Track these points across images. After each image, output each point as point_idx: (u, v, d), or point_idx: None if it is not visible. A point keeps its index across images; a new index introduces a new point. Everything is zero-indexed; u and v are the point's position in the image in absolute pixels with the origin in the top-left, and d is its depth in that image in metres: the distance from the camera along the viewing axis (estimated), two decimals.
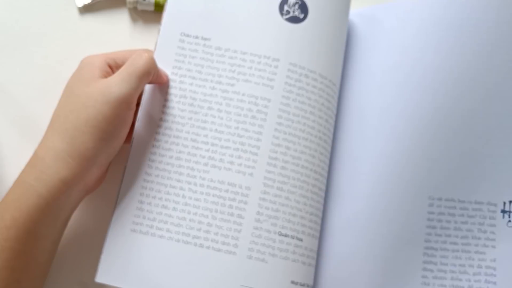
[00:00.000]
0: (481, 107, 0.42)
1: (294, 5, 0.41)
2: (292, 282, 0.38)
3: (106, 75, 0.37)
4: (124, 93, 0.35)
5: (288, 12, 0.41)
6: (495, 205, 0.41)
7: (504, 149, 0.42)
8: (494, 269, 0.40)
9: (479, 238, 0.41)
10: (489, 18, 0.43)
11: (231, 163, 0.38)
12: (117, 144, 0.37)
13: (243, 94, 0.39)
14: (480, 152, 0.42)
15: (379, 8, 0.46)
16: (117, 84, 0.35)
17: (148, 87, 0.40)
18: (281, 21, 0.41)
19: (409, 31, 0.44)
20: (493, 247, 0.41)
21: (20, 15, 0.47)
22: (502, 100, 0.42)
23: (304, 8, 0.41)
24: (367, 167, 0.42)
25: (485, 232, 0.41)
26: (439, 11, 0.43)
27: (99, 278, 0.37)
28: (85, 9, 0.48)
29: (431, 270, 0.40)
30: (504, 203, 0.41)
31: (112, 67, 0.38)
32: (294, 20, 0.41)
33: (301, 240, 0.39)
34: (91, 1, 0.48)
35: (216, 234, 0.37)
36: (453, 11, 0.43)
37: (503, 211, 0.41)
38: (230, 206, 0.38)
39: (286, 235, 0.38)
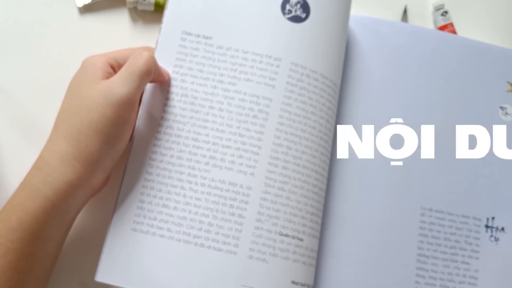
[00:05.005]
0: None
1: (296, 4, 0.41)
2: (293, 282, 0.38)
3: (108, 75, 0.37)
4: (126, 93, 0.35)
5: (290, 11, 0.41)
6: (479, 220, 0.44)
7: (488, 169, 0.45)
8: (476, 279, 0.43)
9: (465, 249, 0.44)
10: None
11: (232, 162, 0.38)
12: (121, 146, 0.37)
13: (245, 94, 0.39)
14: (466, 169, 0.45)
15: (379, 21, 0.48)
16: (119, 85, 0.35)
17: (149, 86, 0.40)
18: (283, 20, 0.40)
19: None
20: (477, 258, 0.44)
21: (20, 15, 0.47)
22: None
23: (306, 8, 0.41)
24: (368, 172, 0.44)
25: (470, 244, 0.44)
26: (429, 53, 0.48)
27: (100, 278, 0.36)
28: (85, 9, 0.48)
29: (423, 277, 0.42)
30: (488, 218, 0.45)
31: (114, 67, 0.38)
32: (296, 19, 0.41)
33: (301, 240, 0.38)
34: (91, 1, 0.48)
35: (217, 234, 0.37)
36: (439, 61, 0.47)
37: (487, 226, 0.44)
38: (231, 206, 0.37)
39: (287, 235, 0.38)
